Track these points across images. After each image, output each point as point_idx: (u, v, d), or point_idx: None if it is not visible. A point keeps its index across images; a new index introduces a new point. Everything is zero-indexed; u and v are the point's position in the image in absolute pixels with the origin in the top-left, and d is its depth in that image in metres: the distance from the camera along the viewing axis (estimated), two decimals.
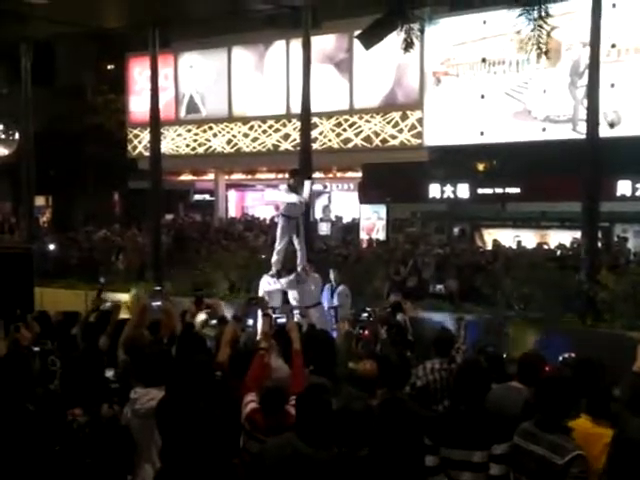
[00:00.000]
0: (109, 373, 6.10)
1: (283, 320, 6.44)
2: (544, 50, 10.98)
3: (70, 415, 4.94)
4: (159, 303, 7.52)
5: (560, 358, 6.81)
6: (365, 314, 8.28)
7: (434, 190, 20.85)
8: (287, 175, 12.41)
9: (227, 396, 5.46)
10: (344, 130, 22.02)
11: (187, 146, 25.53)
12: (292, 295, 12.05)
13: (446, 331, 7.33)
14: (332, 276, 12.35)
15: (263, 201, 28.69)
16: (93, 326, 7.49)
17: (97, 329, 7.28)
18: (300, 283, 12.16)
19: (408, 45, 11.27)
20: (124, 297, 12.18)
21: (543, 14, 10.18)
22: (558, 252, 16.17)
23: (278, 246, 12.26)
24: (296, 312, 9.61)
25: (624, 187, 18.29)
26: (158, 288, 9.70)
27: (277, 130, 23.40)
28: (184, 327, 7.50)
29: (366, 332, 7.98)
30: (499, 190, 20.09)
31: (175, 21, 18.30)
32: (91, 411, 4.99)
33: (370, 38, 11.83)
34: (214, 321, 8.57)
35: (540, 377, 4.95)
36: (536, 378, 5.00)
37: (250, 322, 8.23)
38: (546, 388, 4.52)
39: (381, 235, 21.65)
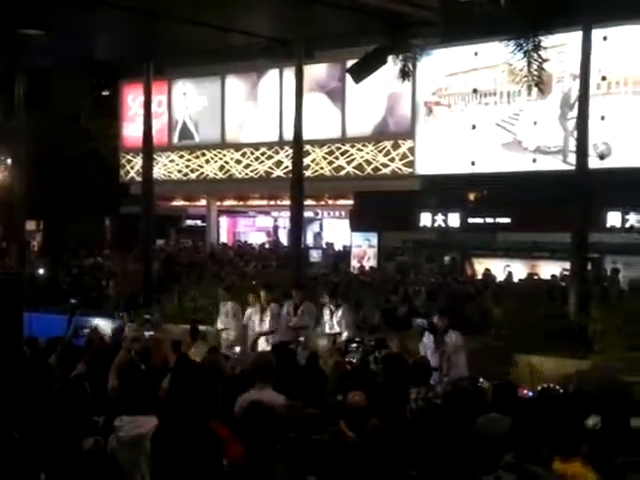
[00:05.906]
0: None
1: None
2: (537, 81, 11.09)
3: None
4: (151, 333, 7.50)
5: (539, 388, 6.78)
6: (354, 344, 8.24)
7: (425, 219, 20.89)
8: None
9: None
10: (336, 158, 22.10)
11: (179, 172, 25.56)
12: None
13: (422, 360, 7.28)
14: (294, 295, 12.25)
15: (254, 227, 28.70)
16: (72, 354, 7.41)
17: (76, 357, 7.21)
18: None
19: (405, 74, 11.38)
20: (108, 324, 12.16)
21: (535, 46, 10.30)
22: (548, 282, 16.20)
23: None
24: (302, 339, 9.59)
25: (614, 218, 18.35)
26: (147, 317, 9.67)
27: (269, 157, 23.46)
28: (178, 358, 7.42)
29: (354, 362, 7.93)
30: (490, 220, 20.15)
31: (169, 53, 18.43)
32: (72, 445, 4.91)
33: (360, 72, 11.96)
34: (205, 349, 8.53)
35: (514, 406, 4.89)
36: (510, 407, 4.96)
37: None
38: (521, 418, 4.47)
39: (372, 263, 21.66)
